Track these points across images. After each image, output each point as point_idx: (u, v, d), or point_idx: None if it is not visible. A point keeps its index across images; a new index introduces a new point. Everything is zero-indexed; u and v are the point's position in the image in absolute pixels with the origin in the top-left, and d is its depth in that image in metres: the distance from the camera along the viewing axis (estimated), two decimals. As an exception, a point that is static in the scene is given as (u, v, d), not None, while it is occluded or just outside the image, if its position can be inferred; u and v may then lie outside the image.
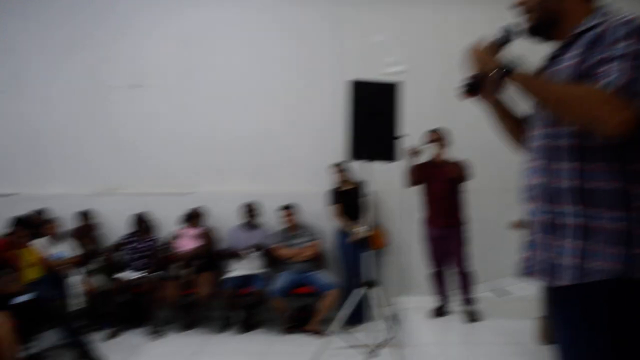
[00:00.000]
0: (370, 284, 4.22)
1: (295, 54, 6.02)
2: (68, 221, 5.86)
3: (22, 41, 6.31)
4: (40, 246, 5.28)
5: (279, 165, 5.99)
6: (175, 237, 5.75)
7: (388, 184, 5.27)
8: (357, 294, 4.26)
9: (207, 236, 5.75)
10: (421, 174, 4.57)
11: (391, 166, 4.20)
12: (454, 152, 4.60)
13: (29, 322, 4.41)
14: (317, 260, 5.58)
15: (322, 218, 5.72)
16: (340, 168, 5.50)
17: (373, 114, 3.86)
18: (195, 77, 6.11)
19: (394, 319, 4.64)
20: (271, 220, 5.79)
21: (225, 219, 5.90)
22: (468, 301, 4.59)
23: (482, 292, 4.78)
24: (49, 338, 4.95)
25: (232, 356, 4.82)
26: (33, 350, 4.64)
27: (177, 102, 6.13)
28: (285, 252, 5.50)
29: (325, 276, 5.40)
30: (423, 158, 4.55)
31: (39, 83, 6.33)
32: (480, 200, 5.02)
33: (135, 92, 6.17)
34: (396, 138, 3.95)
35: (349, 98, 3.91)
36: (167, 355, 4.85)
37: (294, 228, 5.59)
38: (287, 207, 5.60)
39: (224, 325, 5.50)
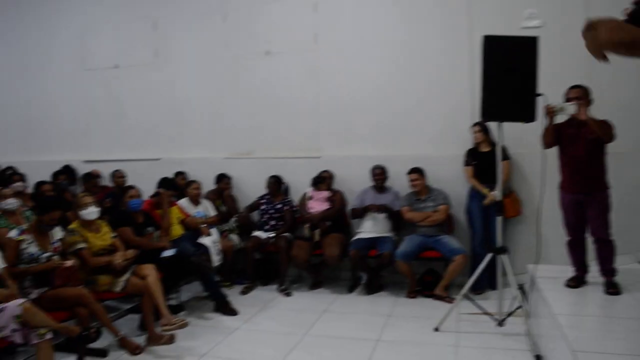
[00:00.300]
0: (501, 251, 4.09)
1: (424, 11, 5.81)
2: (206, 183, 6.25)
3: (162, 17, 6.78)
4: (183, 206, 5.69)
5: (407, 129, 5.92)
6: (306, 199, 5.93)
7: (524, 146, 5.05)
8: (486, 260, 4.15)
9: (336, 199, 5.86)
10: (560, 135, 4.28)
11: (528, 127, 3.97)
12: (597, 111, 4.24)
13: (173, 275, 4.80)
14: (445, 225, 5.49)
15: (451, 182, 5.60)
16: (480, 128, 5.32)
17: (509, 71, 3.66)
18: (322, 42, 6.19)
19: (525, 288, 4.47)
20: (400, 183, 5.76)
21: (352, 183, 5.98)
22: (608, 272, 4.28)
23: (624, 264, 4.44)
24: (191, 290, 5.37)
25: (359, 316, 4.91)
26: (176, 301, 5.07)
27: (305, 67, 6.26)
28: (413, 215, 5.46)
29: (453, 241, 5.30)
30: (562, 118, 4.24)
31: (178, 55, 6.77)
32: (624, 163, 4.63)
33: (266, 59, 6.38)
34: (534, 96, 3.73)
35: (483, 55, 3.73)
36: (297, 311, 5.06)
37: (422, 192, 5.52)
38: (415, 171, 5.53)
39: (350, 286, 5.63)
